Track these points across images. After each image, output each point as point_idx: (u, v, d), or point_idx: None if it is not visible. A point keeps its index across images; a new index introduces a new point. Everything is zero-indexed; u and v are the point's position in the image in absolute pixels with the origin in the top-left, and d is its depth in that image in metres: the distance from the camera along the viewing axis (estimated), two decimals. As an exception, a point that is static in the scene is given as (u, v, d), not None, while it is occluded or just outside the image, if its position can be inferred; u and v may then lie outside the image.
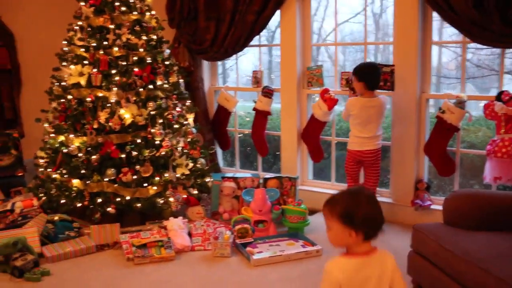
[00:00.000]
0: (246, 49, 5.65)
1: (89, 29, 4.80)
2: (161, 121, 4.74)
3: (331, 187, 5.40)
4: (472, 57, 9.60)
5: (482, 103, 4.41)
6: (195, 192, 5.00)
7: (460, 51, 9.17)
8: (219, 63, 6.36)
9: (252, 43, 5.63)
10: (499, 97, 4.13)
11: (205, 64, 6.09)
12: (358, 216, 2.04)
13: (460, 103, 4.34)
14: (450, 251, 2.91)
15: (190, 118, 5.25)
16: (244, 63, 7.75)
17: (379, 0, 9.76)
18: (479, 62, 9.34)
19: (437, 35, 6.82)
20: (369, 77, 4.51)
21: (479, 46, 6.12)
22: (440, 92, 5.08)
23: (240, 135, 6.30)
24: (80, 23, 4.85)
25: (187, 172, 4.86)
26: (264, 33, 5.98)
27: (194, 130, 5.24)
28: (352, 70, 4.63)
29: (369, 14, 11.18)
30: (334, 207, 2.11)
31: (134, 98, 4.67)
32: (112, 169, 4.57)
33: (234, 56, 5.86)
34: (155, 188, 4.63)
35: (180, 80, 5.20)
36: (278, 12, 5.34)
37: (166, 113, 4.79)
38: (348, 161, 4.72)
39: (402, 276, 2.17)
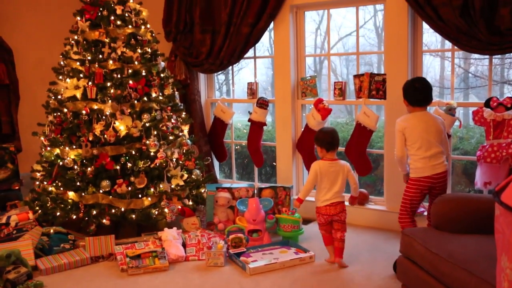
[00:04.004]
0: (248, 61, 5.68)
1: (85, 43, 4.87)
2: (155, 132, 4.78)
3: (327, 197, 5.41)
4: (473, 68, 9.69)
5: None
6: (190, 203, 5.02)
7: (458, 62, 9.29)
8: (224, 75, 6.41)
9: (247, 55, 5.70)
10: (487, 103, 4.16)
11: (202, 76, 6.15)
12: (319, 139, 4.14)
13: (450, 110, 4.38)
14: (435, 253, 2.94)
15: (185, 129, 5.29)
16: (248, 75, 7.84)
17: (381, 14, 9.88)
18: (478, 73, 9.41)
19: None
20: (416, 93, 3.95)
21: (478, 56, 6.21)
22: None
23: (237, 147, 6.33)
24: (76, 37, 4.94)
25: (182, 183, 4.88)
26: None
27: (189, 141, 5.27)
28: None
29: (372, 27, 11.29)
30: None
31: (129, 110, 4.71)
32: (107, 181, 4.60)
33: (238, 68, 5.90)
34: (149, 199, 4.67)
35: (175, 92, 5.25)
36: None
37: (160, 125, 4.84)
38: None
39: (354, 175, 4.20)
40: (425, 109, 3.97)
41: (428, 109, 4.03)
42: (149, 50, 5.00)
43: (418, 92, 3.91)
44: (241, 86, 6.36)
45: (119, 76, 4.77)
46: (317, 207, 4.13)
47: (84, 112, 4.69)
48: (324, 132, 4.18)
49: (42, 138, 5.00)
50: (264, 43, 10.08)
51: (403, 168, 4.10)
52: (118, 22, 4.87)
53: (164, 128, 4.88)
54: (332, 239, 4.14)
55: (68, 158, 4.67)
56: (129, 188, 4.61)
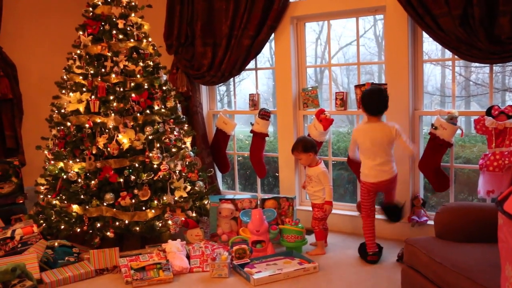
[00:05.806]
0: (249, 72, 5.69)
1: (87, 57, 4.91)
2: (158, 145, 4.80)
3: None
4: (474, 76, 9.71)
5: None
6: (194, 214, 5.04)
7: (458, 70, 9.32)
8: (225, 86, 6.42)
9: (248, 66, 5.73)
10: (489, 112, 4.19)
11: (203, 88, 6.18)
12: (314, 146, 4.64)
13: (452, 119, 4.41)
14: (439, 263, 2.94)
15: (188, 141, 5.31)
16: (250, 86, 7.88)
17: (381, 23, 9.89)
18: (478, 81, 9.43)
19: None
20: (369, 103, 4.28)
21: (478, 64, 6.24)
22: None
23: (240, 158, 6.34)
24: (78, 51, 4.98)
25: (185, 195, 4.90)
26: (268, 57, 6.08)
27: (191, 153, 5.30)
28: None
29: (372, 37, 11.32)
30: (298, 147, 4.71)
31: (132, 123, 4.74)
32: (111, 194, 4.62)
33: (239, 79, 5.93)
34: (153, 211, 4.68)
35: (177, 105, 5.28)
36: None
37: (163, 137, 4.86)
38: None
39: None
40: (380, 118, 4.33)
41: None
42: (151, 63, 5.04)
43: (373, 103, 4.26)
44: (243, 97, 6.39)
45: (121, 89, 4.80)
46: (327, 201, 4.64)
47: (87, 125, 4.73)
48: (310, 140, 4.79)
49: (46, 152, 5.02)
50: (265, 54, 10.12)
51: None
52: (120, 36, 4.92)
53: (167, 140, 4.91)
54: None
55: (72, 172, 4.70)
56: (133, 201, 4.63)
